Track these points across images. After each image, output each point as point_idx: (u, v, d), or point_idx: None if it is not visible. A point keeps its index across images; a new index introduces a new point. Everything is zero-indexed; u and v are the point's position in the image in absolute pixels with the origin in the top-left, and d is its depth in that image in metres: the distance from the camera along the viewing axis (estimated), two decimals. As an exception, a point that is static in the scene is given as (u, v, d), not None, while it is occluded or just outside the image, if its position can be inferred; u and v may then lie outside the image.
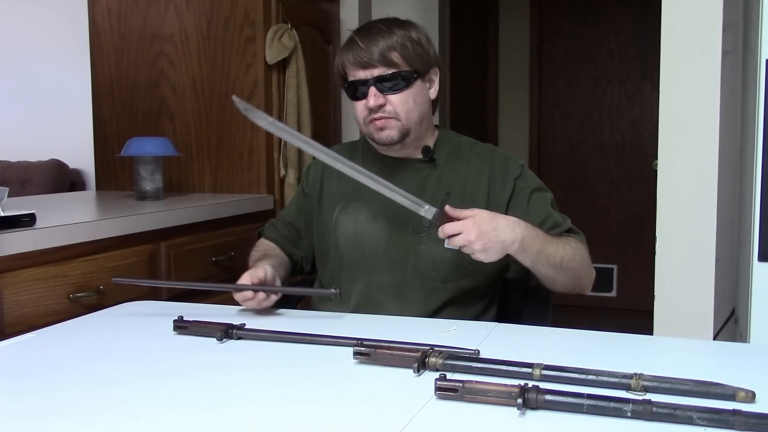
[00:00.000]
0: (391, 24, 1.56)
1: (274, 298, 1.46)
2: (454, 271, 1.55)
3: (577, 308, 4.20)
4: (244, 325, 1.31)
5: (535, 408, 0.92)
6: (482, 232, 1.37)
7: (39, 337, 1.35)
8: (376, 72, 1.51)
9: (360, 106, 1.54)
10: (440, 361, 1.07)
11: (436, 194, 1.56)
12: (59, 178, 4.21)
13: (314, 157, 1.76)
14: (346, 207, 1.62)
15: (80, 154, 3.94)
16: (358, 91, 1.54)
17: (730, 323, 2.10)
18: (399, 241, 1.56)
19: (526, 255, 1.43)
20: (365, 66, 1.51)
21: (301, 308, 1.74)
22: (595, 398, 0.91)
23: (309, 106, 2.84)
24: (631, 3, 4.56)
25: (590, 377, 1.00)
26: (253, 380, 1.10)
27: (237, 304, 1.52)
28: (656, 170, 2.00)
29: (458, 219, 1.38)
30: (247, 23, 2.73)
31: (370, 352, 1.11)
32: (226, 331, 1.26)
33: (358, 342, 1.14)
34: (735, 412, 0.87)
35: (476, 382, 0.96)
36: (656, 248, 2.00)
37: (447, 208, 1.40)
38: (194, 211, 2.37)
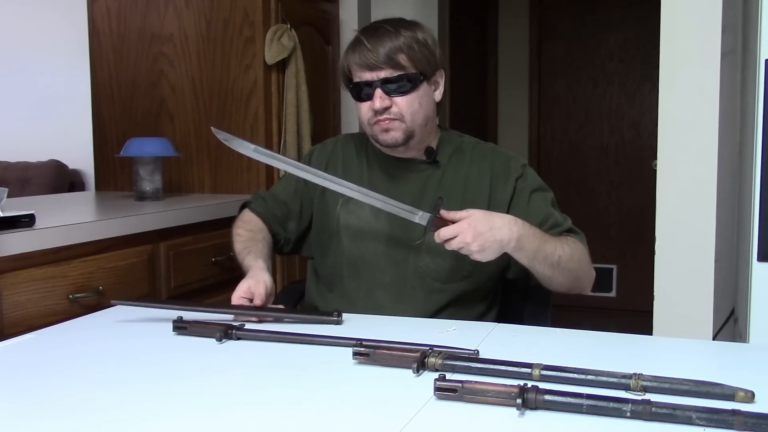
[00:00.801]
0: (398, 25, 1.54)
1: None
2: (454, 272, 1.55)
3: (577, 308, 4.20)
4: (244, 325, 1.31)
5: (535, 408, 0.92)
6: (478, 233, 1.37)
7: (38, 337, 1.35)
8: (383, 74, 1.50)
9: (365, 107, 1.54)
10: (439, 361, 1.07)
11: (438, 195, 1.56)
12: (59, 179, 4.21)
13: (319, 144, 1.76)
14: (348, 203, 1.61)
15: (80, 155, 3.94)
16: (363, 92, 1.53)
17: (730, 323, 2.10)
18: (400, 240, 1.56)
19: (524, 253, 1.43)
20: (372, 68, 1.50)
21: (301, 308, 1.74)
22: (594, 398, 0.91)
23: (308, 107, 2.84)
24: (630, 3, 4.56)
25: (589, 377, 1.00)
26: (253, 380, 1.10)
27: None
28: (656, 170, 2.00)
29: (453, 222, 1.39)
30: (247, 23, 2.72)
31: (369, 352, 1.11)
32: (226, 332, 1.26)
33: (358, 342, 1.14)
34: (734, 412, 0.87)
35: (475, 382, 0.96)
36: (656, 248, 2.00)
37: (442, 211, 1.40)
38: (194, 211, 2.37)
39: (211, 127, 1.50)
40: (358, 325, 1.39)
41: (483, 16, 4.83)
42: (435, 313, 1.55)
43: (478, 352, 1.12)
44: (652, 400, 0.90)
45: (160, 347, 1.26)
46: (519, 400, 0.91)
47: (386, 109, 1.51)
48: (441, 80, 1.60)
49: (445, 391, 0.96)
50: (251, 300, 1.43)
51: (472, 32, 4.55)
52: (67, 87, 4.21)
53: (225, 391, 1.04)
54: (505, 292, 1.69)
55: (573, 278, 1.52)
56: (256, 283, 1.45)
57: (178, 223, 2.28)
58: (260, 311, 1.40)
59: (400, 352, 1.10)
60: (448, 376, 1.00)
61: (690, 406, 0.88)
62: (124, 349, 1.26)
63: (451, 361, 1.07)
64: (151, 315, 1.42)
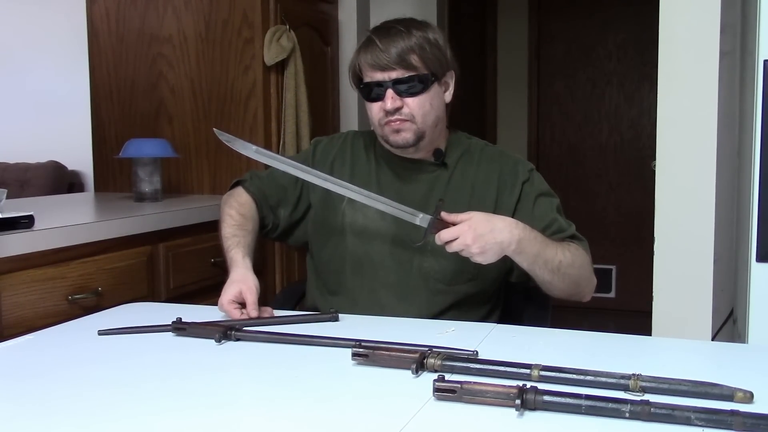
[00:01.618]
0: (410, 25, 1.54)
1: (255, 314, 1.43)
2: (458, 274, 1.55)
3: (576, 309, 4.19)
4: (243, 326, 1.31)
5: (534, 409, 0.92)
6: (478, 235, 1.37)
7: (38, 338, 1.35)
8: (394, 75, 1.49)
9: (376, 107, 1.53)
10: (439, 362, 1.07)
11: (445, 196, 1.56)
12: (58, 180, 4.21)
13: (326, 137, 1.75)
14: (354, 200, 1.59)
15: (79, 156, 3.94)
16: (373, 92, 1.52)
17: (729, 324, 2.10)
18: (406, 241, 1.56)
19: (524, 256, 1.43)
20: (383, 68, 1.49)
21: (301, 309, 1.74)
22: (593, 399, 0.91)
23: (307, 108, 2.84)
24: (629, 4, 4.56)
25: (588, 378, 1.00)
26: (252, 381, 1.10)
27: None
28: (655, 171, 2.01)
29: (454, 224, 1.39)
30: (246, 25, 2.72)
31: (368, 353, 1.11)
32: (225, 333, 1.26)
33: (357, 343, 1.14)
34: (733, 413, 0.87)
35: (475, 383, 0.96)
36: (655, 249, 2.00)
37: (443, 214, 1.40)
38: (193, 212, 2.37)
39: (214, 129, 1.50)
40: (357, 325, 1.39)
41: (482, 17, 4.83)
42: (438, 315, 1.55)
43: (477, 352, 1.12)
44: (651, 400, 0.90)
45: (159, 348, 1.26)
46: (518, 401, 0.91)
47: (397, 109, 1.51)
48: (451, 81, 1.59)
49: (444, 392, 0.96)
50: (242, 304, 1.42)
51: (471, 33, 4.55)
52: (66, 88, 4.22)
53: (224, 392, 1.04)
54: (506, 294, 1.69)
55: (573, 284, 1.52)
56: (248, 289, 1.43)
57: (177, 224, 2.28)
58: (254, 321, 1.38)
59: (399, 353, 1.10)
60: (447, 376, 1.00)
61: (689, 406, 0.88)
62: (124, 350, 1.26)
63: (450, 362, 1.07)
64: (150, 316, 1.42)
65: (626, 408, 0.89)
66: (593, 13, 4.73)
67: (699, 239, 1.95)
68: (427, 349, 1.10)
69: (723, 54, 1.93)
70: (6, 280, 1.71)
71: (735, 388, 0.95)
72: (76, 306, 1.86)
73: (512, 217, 1.50)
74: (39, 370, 1.16)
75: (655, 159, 2.00)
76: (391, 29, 1.53)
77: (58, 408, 0.99)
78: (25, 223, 1.81)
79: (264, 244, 2.56)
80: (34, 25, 4.40)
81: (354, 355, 1.12)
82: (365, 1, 3.31)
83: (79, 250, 1.92)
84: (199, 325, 1.30)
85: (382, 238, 1.58)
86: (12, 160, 4.35)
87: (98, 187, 3.02)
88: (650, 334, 1.96)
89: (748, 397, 0.94)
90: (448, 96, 1.59)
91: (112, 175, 2.96)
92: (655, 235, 2.00)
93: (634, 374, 0.99)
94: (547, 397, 0.92)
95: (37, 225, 1.84)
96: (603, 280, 4.64)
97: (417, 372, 1.07)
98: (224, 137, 1.47)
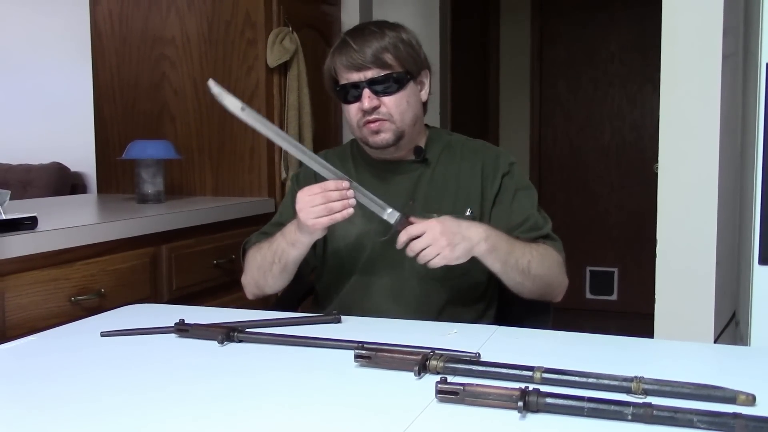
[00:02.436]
0: (383, 25, 1.56)
1: (350, 210, 1.42)
2: (450, 269, 1.54)
3: (578, 311, 4.20)
4: (245, 327, 1.31)
5: (536, 411, 0.92)
6: (446, 229, 1.37)
7: (41, 339, 1.36)
8: (370, 74, 1.51)
9: (353, 109, 1.54)
10: (441, 364, 1.07)
11: (430, 194, 1.57)
12: (60, 181, 4.22)
13: (299, 169, 1.75)
14: None
15: (82, 157, 3.94)
16: (350, 94, 1.53)
17: (731, 326, 2.10)
18: (393, 242, 1.55)
19: (495, 255, 1.43)
20: (359, 68, 1.51)
21: (302, 310, 1.74)
22: (595, 401, 0.91)
23: (310, 109, 2.84)
24: (631, 5, 4.56)
25: (591, 380, 1.00)
26: (254, 383, 1.10)
27: (238, 306, 1.52)
28: (657, 173, 2.01)
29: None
30: (249, 26, 2.73)
31: (371, 355, 1.11)
32: (228, 334, 1.27)
33: (359, 345, 1.14)
34: (735, 416, 0.87)
35: (477, 385, 0.96)
36: (657, 251, 2.00)
37: (411, 218, 1.41)
38: (195, 213, 2.37)
39: (209, 80, 1.48)
40: (359, 327, 1.39)
41: (484, 19, 4.84)
42: (435, 313, 1.55)
43: (479, 354, 1.12)
44: (653, 403, 0.90)
45: (162, 350, 1.26)
46: (520, 403, 0.91)
47: (375, 109, 1.51)
48: (426, 80, 1.61)
49: (446, 394, 0.96)
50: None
51: (473, 35, 4.55)
52: (69, 89, 4.22)
53: (227, 394, 1.04)
54: (505, 296, 1.69)
55: (544, 285, 1.53)
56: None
57: (179, 226, 2.28)
58: (256, 322, 1.39)
59: (401, 355, 1.10)
60: (450, 378, 1.00)
61: (691, 409, 0.88)
62: (126, 352, 1.26)
63: (453, 364, 1.07)
64: (153, 318, 1.43)
65: (628, 410, 0.89)
66: (596, 14, 4.73)
67: (701, 241, 1.95)
68: (429, 351, 1.10)
69: (726, 56, 1.93)
70: (9, 281, 1.72)
71: (737, 390, 0.95)
72: (79, 307, 1.86)
73: (491, 208, 1.54)
74: (42, 371, 1.16)
75: (657, 161, 2.00)
76: (364, 30, 1.55)
77: (60, 409, 0.99)
78: (28, 224, 1.81)
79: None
80: (37, 26, 4.41)
81: (356, 356, 1.12)
82: (368, 2, 3.31)
83: (82, 251, 1.92)
84: (202, 327, 1.30)
85: (372, 242, 1.57)
86: (15, 162, 4.36)
87: (101, 189, 3.02)
88: (652, 337, 1.96)
89: (751, 399, 0.94)
90: (425, 94, 1.61)
91: (115, 176, 2.97)
92: (658, 237, 2.00)
93: (636, 377, 0.99)
94: (549, 400, 0.92)
95: (40, 226, 1.84)
96: (605, 282, 4.64)
97: (419, 374, 1.07)
98: (215, 90, 1.46)
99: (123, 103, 2.92)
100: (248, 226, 2.53)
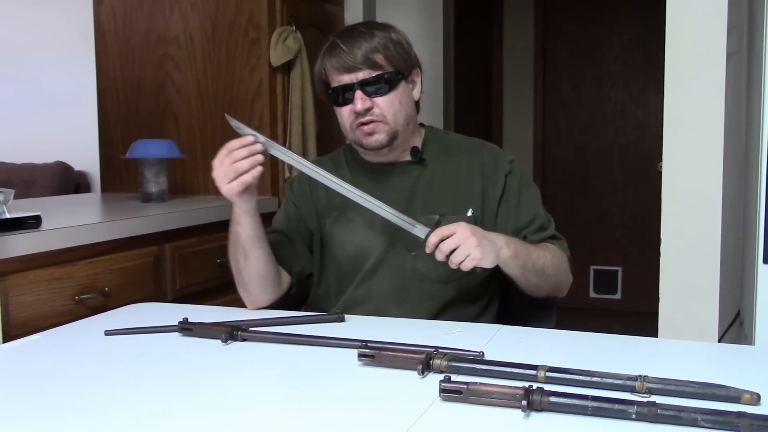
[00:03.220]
0: (371, 26, 1.55)
1: (259, 169, 1.44)
2: (453, 270, 1.54)
3: (582, 310, 4.19)
4: (249, 326, 1.31)
5: (540, 410, 0.92)
6: (476, 230, 1.37)
7: (45, 338, 1.36)
8: (361, 75, 1.50)
9: (346, 111, 1.52)
10: (445, 362, 1.07)
11: (429, 195, 1.56)
12: (64, 180, 4.22)
13: (294, 175, 1.75)
14: (339, 218, 1.60)
15: (85, 156, 3.94)
16: (342, 96, 1.52)
17: (735, 325, 2.09)
18: (396, 245, 1.55)
19: (518, 259, 1.44)
20: (349, 69, 1.49)
21: (306, 310, 1.74)
22: (599, 400, 0.91)
23: (313, 109, 2.84)
24: (634, 4, 4.55)
25: (595, 379, 1.00)
26: (258, 382, 1.10)
27: (242, 305, 1.52)
28: (661, 172, 2.00)
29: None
30: (252, 26, 2.73)
31: (374, 353, 1.11)
32: (231, 333, 1.27)
33: (363, 344, 1.14)
34: (740, 414, 0.87)
35: (481, 383, 0.96)
36: (661, 250, 2.00)
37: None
38: (199, 212, 2.37)
39: (225, 114, 1.50)
40: (363, 326, 1.39)
41: (487, 19, 4.83)
42: (437, 314, 1.55)
43: (483, 353, 1.12)
44: (657, 402, 0.90)
45: (166, 348, 1.26)
46: (524, 402, 0.91)
47: (367, 110, 1.50)
48: (418, 79, 1.60)
49: (450, 393, 0.96)
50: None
51: (476, 35, 4.55)
52: (73, 88, 4.22)
53: (230, 392, 1.04)
54: (509, 295, 1.69)
55: (554, 284, 1.55)
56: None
57: (183, 225, 2.29)
58: (260, 321, 1.38)
59: (405, 354, 1.10)
60: (453, 377, 1.00)
61: (695, 408, 0.88)
62: (130, 351, 1.26)
63: (456, 363, 1.07)
64: (157, 317, 1.43)
65: (633, 409, 0.89)
66: (599, 13, 4.72)
67: (705, 240, 1.95)
68: (433, 349, 1.11)
69: (730, 55, 1.92)
70: (13, 280, 1.72)
71: (742, 389, 0.94)
72: (83, 306, 1.86)
73: (496, 209, 1.55)
74: (46, 370, 1.17)
75: (661, 160, 2.00)
76: (353, 31, 1.53)
77: (64, 408, 0.99)
78: (32, 223, 1.81)
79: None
80: (41, 25, 4.41)
81: (360, 355, 1.12)
82: (371, 1, 3.31)
83: (85, 250, 1.92)
84: (206, 326, 1.31)
85: (373, 248, 1.57)
86: (19, 161, 4.36)
87: (105, 188, 3.03)
88: (656, 336, 1.96)
89: (755, 398, 0.94)
90: (417, 94, 1.59)
91: (119, 175, 2.97)
92: (662, 236, 2.00)
93: (640, 375, 0.98)
94: (553, 399, 0.92)
95: (44, 225, 1.84)
96: (609, 281, 4.64)
97: (423, 373, 1.07)
98: (234, 123, 1.47)
99: (126, 103, 2.92)
100: (252, 226, 2.53)
